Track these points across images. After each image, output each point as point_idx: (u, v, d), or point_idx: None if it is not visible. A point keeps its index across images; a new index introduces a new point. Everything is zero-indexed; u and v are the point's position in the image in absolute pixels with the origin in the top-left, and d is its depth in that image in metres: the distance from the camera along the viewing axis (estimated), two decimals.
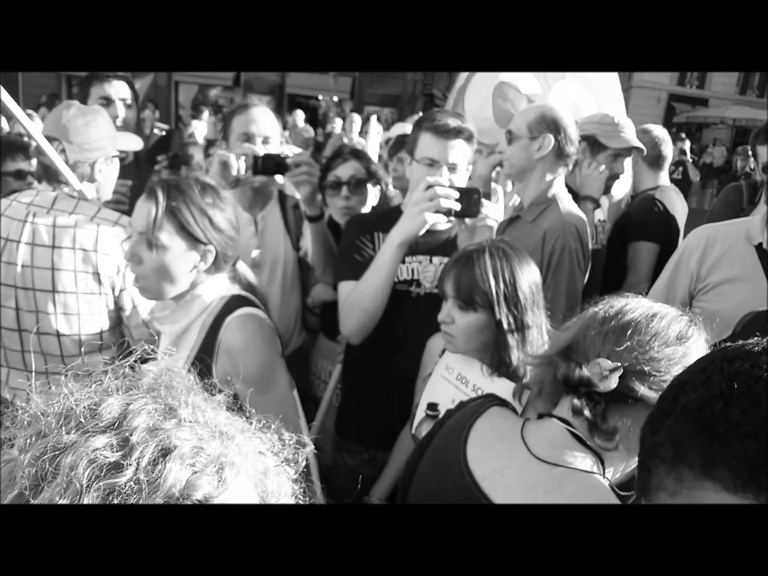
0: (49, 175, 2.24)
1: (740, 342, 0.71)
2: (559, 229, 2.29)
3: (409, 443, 2.05)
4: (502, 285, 1.70)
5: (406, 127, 5.10)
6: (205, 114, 9.15)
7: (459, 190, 1.94)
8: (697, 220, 3.18)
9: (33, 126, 2.09)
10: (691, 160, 13.50)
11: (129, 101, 3.19)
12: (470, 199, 1.94)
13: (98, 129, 2.28)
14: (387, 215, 2.22)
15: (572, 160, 2.43)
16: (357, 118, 8.72)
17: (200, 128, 6.98)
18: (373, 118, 3.81)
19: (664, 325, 1.17)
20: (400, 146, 3.50)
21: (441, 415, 1.45)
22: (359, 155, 2.63)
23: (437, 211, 1.92)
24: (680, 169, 11.93)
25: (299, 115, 11.11)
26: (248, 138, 2.36)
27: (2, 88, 1.91)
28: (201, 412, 0.68)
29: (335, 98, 17.53)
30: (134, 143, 2.91)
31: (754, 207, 2.93)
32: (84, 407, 0.64)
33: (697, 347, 1.17)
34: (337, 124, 10.35)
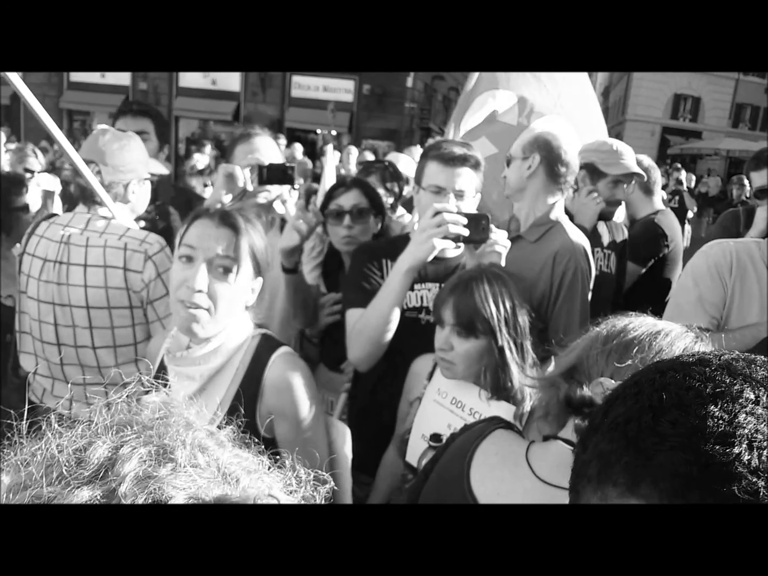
0: (85, 196, 2.39)
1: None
2: (571, 251, 2.31)
3: (393, 468, 2.02)
4: (502, 310, 1.73)
5: (399, 157, 5.17)
6: (208, 147, 9.24)
7: (467, 216, 1.94)
8: (694, 248, 3.22)
9: (72, 149, 2.23)
10: (687, 190, 13.63)
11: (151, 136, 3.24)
12: (478, 225, 1.94)
13: (132, 152, 2.44)
14: (395, 242, 2.22)
15: (567, 182, 2.45)
16: (354, 151, 8.82)
17: (202, 161, 7.03)
18: (330, 146, 3.87)
19: (668, 341, 1.16)
20: (367, 172, 3.75)
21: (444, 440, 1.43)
22: (362, 184, 2.65)
23: (446, 238, 1.92)
24: (677, 198, 12.03)
25: (297, 148, 11.23)
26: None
27: (46, 113, 2.00)
28: (202, 453, 0.62)
29: (333, 132, 17.74)
30: (163, 168, 3.13)
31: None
32: (69, 453, 0.58)
33: None
34: (335, 157, 10.49)
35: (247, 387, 1.64)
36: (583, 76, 3.78)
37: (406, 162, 5.06)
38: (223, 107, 21.22)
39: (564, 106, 3.54)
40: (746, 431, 0.54)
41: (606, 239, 3.11)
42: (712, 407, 0.56)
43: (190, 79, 21.31)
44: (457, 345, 1.75)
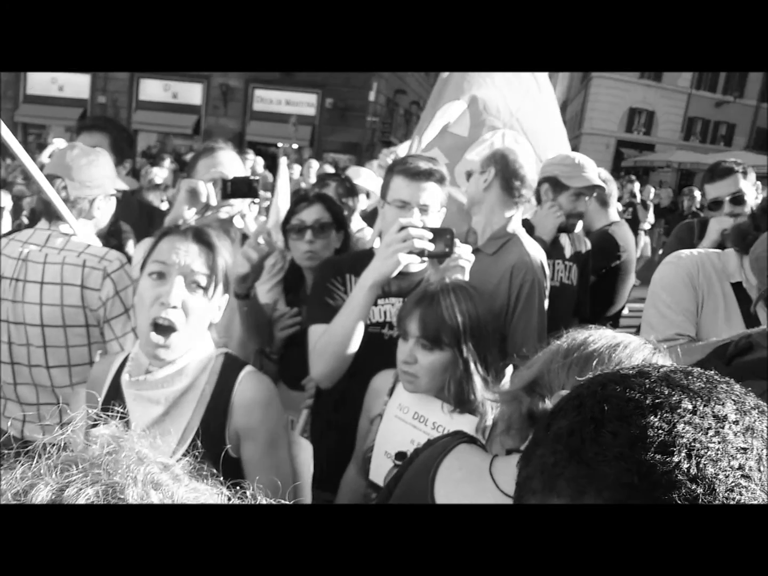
0: (48, 212, 2.34)
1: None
2: (528, 264, 2.36)
3: (354, 485, 2.01)
4: (468, 322, 1.74)
5: (360, 171, 5.19)
6: (167, 161, 9.10)
7: (432, 230, 1.95)
8: (652, 258, 3.34)
9: (32, 164, 2.21)
10: (640, 202, 13.97)
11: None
12: (443, 240, 1.94)
13: (99, 168, 2.43)
14: (359, 257, 2.21)
15: (522, 196, 2.51)
16: (315, 164, 8.81)
17: (161, 175, 6.92)
18: (283, 159, 3.91)
19: (628, 353, 1.18)
20: (322, 185, 3.83)
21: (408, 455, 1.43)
22: (324, 199, 2.64)
23: (410, 252, 1.92)
24: (630, 209, 12.32)
25: (258, 162, 11.17)
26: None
27: (5, 127, 1.94)
28: (156, 489, 0.58)
29: (295, 146, 17.72)
30: (131, 184, 3.07)
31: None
32: (8, 499, 0.54)
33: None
34: (295, 170, 10.44)
35: (215, 408, 1.61)
36: (548, 91, 3.85)
37: (368, 176, 5.08)
38: (183, 121, 21.03)
39: (522, 119, 3.60)
40: (685, 440, 0.56)
41: (568, 251, 3.17)
42: (652, 417, 0.58)
43: (150, 92, 21.09)
44: (422, 357, 1.75)
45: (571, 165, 3.06)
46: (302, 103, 21.23)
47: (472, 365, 1.72)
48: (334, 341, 2.00)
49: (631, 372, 0.65)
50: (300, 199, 2.65)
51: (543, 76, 3.88)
